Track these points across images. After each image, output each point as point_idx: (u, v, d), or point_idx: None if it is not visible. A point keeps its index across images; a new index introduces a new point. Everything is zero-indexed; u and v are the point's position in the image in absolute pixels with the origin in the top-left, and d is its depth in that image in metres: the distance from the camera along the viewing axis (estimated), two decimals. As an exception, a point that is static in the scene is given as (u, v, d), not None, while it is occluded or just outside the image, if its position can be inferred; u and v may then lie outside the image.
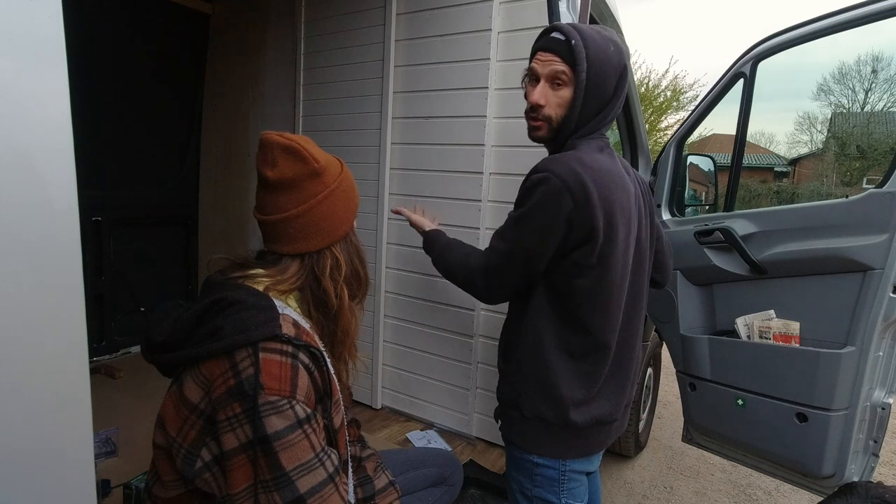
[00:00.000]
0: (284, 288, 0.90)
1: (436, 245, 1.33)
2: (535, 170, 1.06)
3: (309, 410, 0.78)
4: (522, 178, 1.09)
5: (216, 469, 0.79)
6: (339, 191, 0.92)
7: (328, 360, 0.89)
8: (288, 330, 0.80)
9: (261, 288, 0.87)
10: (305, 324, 0.89)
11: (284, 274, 0.91)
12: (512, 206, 1.11)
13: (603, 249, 1.03)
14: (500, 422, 1.20)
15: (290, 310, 0.88)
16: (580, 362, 1.09)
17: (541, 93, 1.08)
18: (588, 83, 1.04)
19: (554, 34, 1.06)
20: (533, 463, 1.13)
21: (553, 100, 1.08)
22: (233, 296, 0.82)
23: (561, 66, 1.05)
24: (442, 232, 1.41)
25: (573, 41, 1.03)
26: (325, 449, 0.80)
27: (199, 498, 0.86)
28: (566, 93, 1.06)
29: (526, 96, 1.12)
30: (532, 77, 1.11)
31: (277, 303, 0.85)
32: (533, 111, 1.10)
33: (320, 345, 0.89)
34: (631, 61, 2.52)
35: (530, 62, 1.11)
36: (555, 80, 1.06)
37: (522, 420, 1.12)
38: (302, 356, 0.80)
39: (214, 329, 0.79)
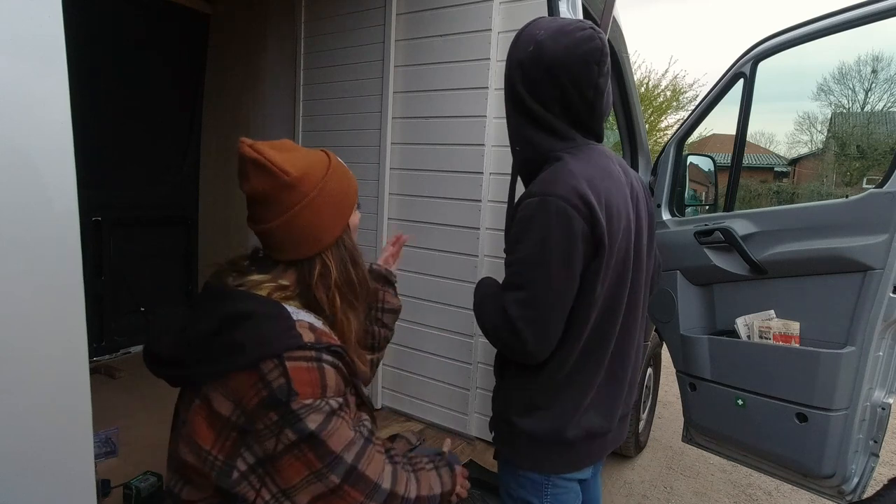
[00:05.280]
0: (286, 295, 0.90)
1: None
2: (527, 195, 0.99)
3: (340, 400, 0.84)
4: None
5: (254, 477, 0.81)
6: (321, 198, 0.88)
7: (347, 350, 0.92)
8: (307, 337, 0.83)
9: (265, 293, 0.87)
10: (320, 324, 0.90)
11: (282, 279, 0.91)
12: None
13: (607, 261, 0.99)
14: (493, 433, 1.18)
15: (303, 313, 0.88)
16: (571, 375, 1.05)
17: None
18: (505, 86, 1.06)
19: None
20: (518, 465, 1.12)
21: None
22: (244, 308, 0.83)
23: None
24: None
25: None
26: (357, 421, 0.90)
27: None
28: None
29: None
30: None
31: (290, 309, 0.86)
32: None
33: (337, 339, 0.91)
34: (631, 61, 2.52)
35: None
36: None
37: (512, 435, 1.10)
38: (325, 357, 0.83)
39: (235, 344, 0.80)
